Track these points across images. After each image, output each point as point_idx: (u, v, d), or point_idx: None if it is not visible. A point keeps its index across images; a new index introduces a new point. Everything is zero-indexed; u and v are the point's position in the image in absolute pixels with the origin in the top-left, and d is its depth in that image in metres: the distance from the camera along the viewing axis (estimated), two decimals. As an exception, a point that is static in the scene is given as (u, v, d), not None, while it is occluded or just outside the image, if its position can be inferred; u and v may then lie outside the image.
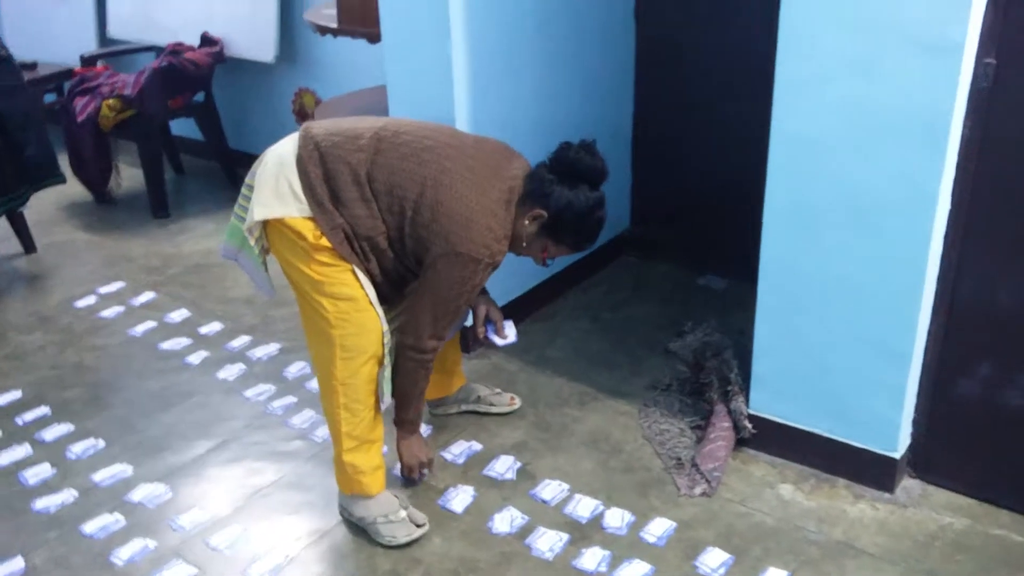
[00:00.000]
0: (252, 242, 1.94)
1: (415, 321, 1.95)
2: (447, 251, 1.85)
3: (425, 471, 2.20)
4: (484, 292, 2.18)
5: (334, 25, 2.91)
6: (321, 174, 1.86)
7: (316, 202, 1.85)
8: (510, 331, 2.19)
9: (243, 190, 2.00)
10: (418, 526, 2.06)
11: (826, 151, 1.93)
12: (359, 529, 2.09)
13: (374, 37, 2.73)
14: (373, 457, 2.04)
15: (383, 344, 1.95)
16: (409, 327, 1.96)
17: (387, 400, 2.03)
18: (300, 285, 1.94)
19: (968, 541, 2.00)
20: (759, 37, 2.24)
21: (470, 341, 2.23)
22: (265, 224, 1.92)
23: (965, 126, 1.84)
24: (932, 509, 2.09)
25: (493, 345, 2.23)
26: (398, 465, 2.29)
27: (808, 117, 1.93)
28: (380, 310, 1.94)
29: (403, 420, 2.11)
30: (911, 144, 1.83)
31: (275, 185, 1.88)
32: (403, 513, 2.06)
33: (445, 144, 1.92)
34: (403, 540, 2.03)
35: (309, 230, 1.86)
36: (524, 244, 2.00)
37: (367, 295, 1.92)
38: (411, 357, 1.98)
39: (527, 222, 1.95)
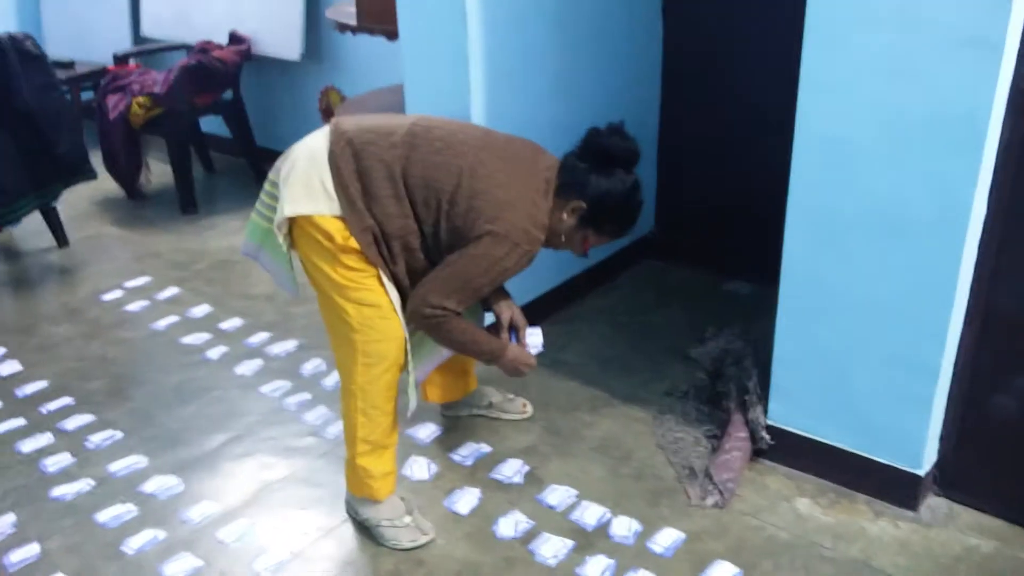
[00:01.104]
0: (280, 239, 1.91)
1: (433, 284, 1.86)
2: (484, 232, 1.81)
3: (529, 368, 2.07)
4: (507, 296, 2.13)
5: (354, 23, 2.92)
6: (354, 170, 1.83)
7: (348, 200, 1.82)
8: (535, 339, 2.10)
9: (266, 186, 1.99)
10: (423, 533, 2.03)
11: (853, 154, 1.86)
12: (365, 528, 2.07)
13: (392, 34, 2.73)
14: (386, 463, 2.02)
15: (406, 352, 1.93)
16: (424, 288, 1.87)
17: (412, 408, 2.00)
18: (323, 287, 1.91)
19: (996, 565, 1.91)
20: (792, 34, 2.18)
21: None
22: (291, 222, 1.89)
23: (1004, 128, 1.74)
24: (958, 529, 2.01)
25: None
26: (410, 467, 2.27)
27: (834, 118, 1.86)
28: (403, 317, 1.92)
29: (489, 360, 2.01)
30: (945, 147, 1.75)
31: (306, 181, 1.85)
32: (408, 519, 2.04)
33: (478, 138, 1.91)
34: (407, 545, 2.01)
35: (338, 231, 1.83)
36: (563, 238, 1.96)
37: (391, 301, 1.89)
38: (430, 315, 1.86)
39: (565, 215, 1.91)
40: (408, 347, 1.94)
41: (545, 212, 1.89)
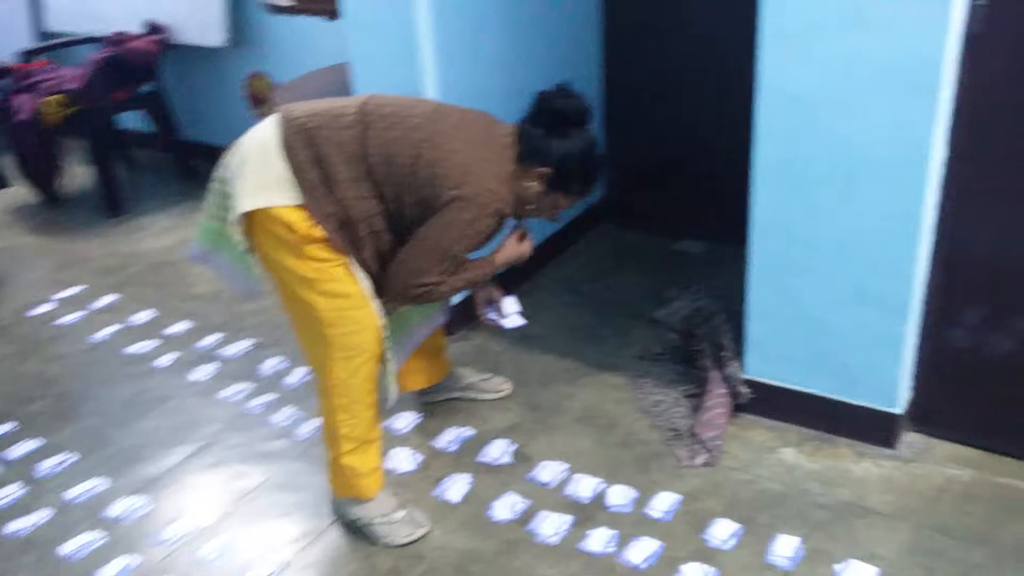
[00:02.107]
0: (238, 238, 1.81)
1: (412, 262, 1.81)
2: (451, 197, 1.77)
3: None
4: None
5: (288, 3, 2.79)
6: (310, 157, 1.75)
7: (307, 187, 1.74)
8: (511, 307, 2.09)
9: (214, 185, 1.88)
10: (419, 526, 1.97)
11: (815, 106, 1.88)
12: (356, 528, 2.00)
13: (333, 13, 2.62)
14: (372, 458, 1.96)
15: (382, 341, 1.87)
16: (404, 267, 1.82)
17: (393, 397, 1.95)
18: (288, 283, 1.82)
19: (976, 491, 1.97)
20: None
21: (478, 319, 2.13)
22: (248, 218, 1.79)
23: (959, 73, 1.79)
24: (936, 462, 2.07)
25: (500, 328, 2.11)
26: (394, 459, 2.21)
27: (795, 72, 1.87)
28: (376, 305, 1.85)
29: (490, 274, 1.97)
30: (903, 95, 1.78)
31: (260, 173, 1.75)
32: (401, 513, 1.98)
33: (432, 110, 1.86)
34: (403, 541, 1.95)
35: (299, 220, 1.74)
36: (531, 206, 1.93)
37: (362, 290, 1.82)
38: (419, 293, 1.84)
39: (532, 183, 1.89)
40: (385, 335, 1.87)
41: (506, 178, 1.86)
